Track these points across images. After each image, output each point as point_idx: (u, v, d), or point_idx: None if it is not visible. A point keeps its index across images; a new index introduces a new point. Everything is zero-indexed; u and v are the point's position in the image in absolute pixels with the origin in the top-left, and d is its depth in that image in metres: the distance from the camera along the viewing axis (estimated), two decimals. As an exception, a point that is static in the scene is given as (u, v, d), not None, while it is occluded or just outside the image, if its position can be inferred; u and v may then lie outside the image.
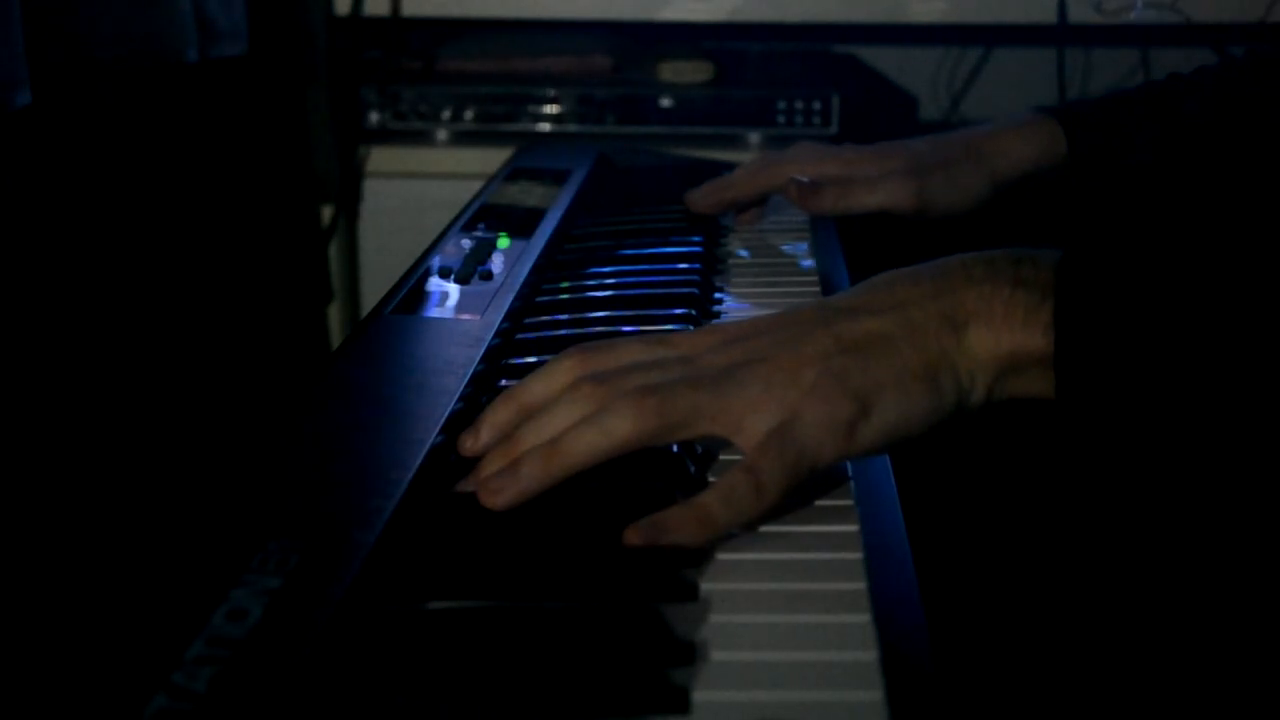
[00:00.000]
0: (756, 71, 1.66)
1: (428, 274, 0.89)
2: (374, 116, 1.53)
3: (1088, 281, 0.59)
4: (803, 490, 0.59)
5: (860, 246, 1.02)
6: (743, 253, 1.00)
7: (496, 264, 0.91)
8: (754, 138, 1.52)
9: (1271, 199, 0.97)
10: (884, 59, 1.79)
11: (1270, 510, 0.70)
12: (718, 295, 0.90)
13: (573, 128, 1.52)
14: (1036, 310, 0.59)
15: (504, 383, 0.74)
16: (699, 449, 0.64)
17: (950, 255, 0.64)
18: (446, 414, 0.66)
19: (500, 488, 0.59)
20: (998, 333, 0.60)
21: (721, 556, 0.56)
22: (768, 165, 1.04)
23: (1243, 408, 0.57)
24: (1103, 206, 1.03)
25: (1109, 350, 0.58)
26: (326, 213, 1.52)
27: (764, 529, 0.58)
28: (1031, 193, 1.02)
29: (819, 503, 0.60)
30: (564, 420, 0.61)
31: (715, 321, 0.85)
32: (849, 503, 0.60)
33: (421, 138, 1.54)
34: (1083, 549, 0.82)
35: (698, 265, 0.93)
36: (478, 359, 0.73)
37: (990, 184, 1.00)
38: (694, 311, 0.85)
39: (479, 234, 0.98)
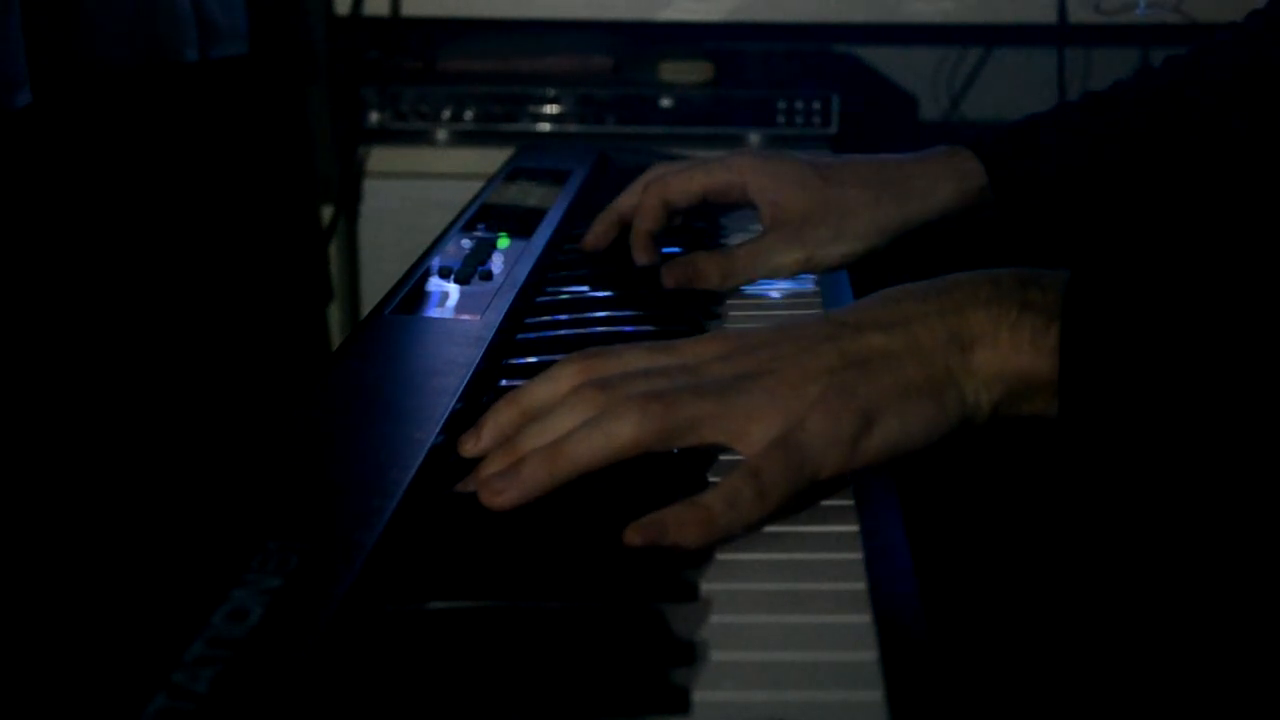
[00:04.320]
0: (756, 71, 1.66)
1: (428, 274, 0.89)
2: (374, 116, 1.53)
3: (1094, 308, 0.59)
4: (803, 492, 0.59)
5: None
6: None
7: (496, 264, 0.91)
8: (754, 138, 1.52)
9: (1237, 206, 0.96)
10: (884, 59, 1.79)
11: (1274, 533, 0.70)
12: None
13: (573, 128, 1.52)
14: (1043, 334, 0.59)
15: (504, 383, 0.74)
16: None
17: (956, 272, 0.64)
18: (446, 414, 0.66)
19: (502, 488, 0.59)
20: (1004, 355, 0.60)
21: (721, 556, 0.56)
22: (648, 185, 0.96)
23: (1248, 434, 0.57)
24: (1029, 234, 0.96)
25: (1114, 377, 0.58)
26: (326, 213, 1.52)
27: (764, 529, 0.58)
28: (952, 225, 0.94)
29: (819, 503, 0.60)
30: (567, 423, 0.61)
31: (715, 324, 0.85)
32: (849, 503, 0.60)
33: (421, 138, 1.54)
34: (1083, 550, 0.82)
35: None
36: (478, 359, 0.73)
37: (888, 231, 0.91)
38: (694, 314, 0.85)
39: (479, 234, 0.98)
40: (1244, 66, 0.97)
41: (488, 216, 1.03)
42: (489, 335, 0.77)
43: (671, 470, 0.62)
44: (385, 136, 1.53)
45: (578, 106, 1.52)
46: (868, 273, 0.91)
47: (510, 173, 1.20)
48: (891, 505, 0.61)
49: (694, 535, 0.56)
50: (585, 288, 0.91)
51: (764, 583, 0.54)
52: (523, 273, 0.89)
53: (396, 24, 1.56)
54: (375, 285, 1.53)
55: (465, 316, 0.81)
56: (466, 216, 1.03)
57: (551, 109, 1.52)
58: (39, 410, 0.90)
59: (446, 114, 1.52)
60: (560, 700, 0.47)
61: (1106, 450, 0.60)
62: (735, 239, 1.01)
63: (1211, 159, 0.96)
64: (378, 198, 1.53)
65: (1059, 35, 1.55)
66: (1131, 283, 0.59)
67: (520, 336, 0.82)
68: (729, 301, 0.89)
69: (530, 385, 0.65)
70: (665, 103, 1.52)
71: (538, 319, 0.85)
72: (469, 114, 1.52)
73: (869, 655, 0.49)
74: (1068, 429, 0.60)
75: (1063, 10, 1.53)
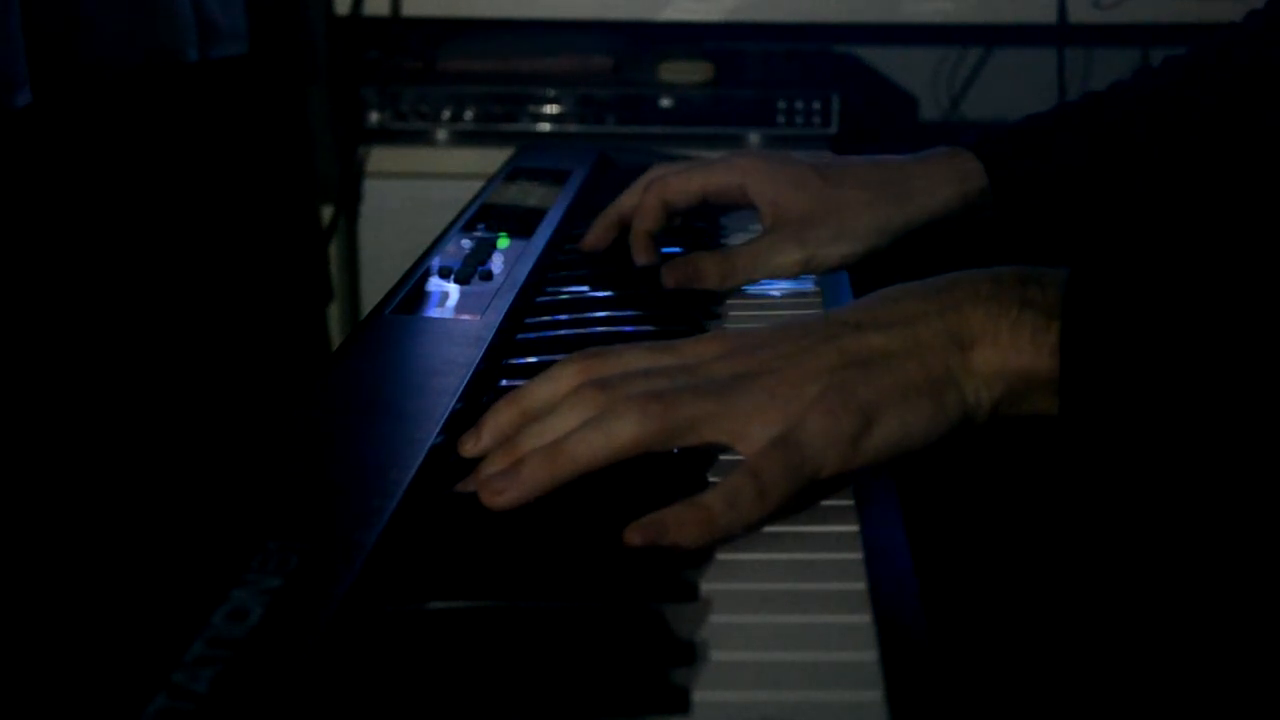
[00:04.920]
0: (756, 71, 1.66)
1: (428, 274, 0.89)
2: (374, 116, 1.53)
3: (1094, 306, 0.59)
4: (803, 492, 0.59)
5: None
6: None
7: (496, 264, 0.91)
8: (754, 138, 1.52)
9: (1237, 205, 0.96)
10: (884, 59, 1.79)
11: (1275, 531, 0.70)
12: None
13: (573, 128, 1.52)
14: (1043, 332, 0.59)
15: (504, 383, 0.74)
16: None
17: (957, 270, 0.64)
18: (446, 414, 0.66)
19: (502, 488, 0.59)
20: (1004, 354, 0.60)
21: (721, 556, 0.56)
22: (651, 184, 0.96)
23: (1249, 432, 0.57)
24: (1029, 234, 0.96)
25: (1114, 375, 0.58)
26: (326, 213, 1.52)
27: (764, 529, 0.58)
28: (953, 226, 0.94)
29: (819, 503, 0.60)
30: (567, 423, 0.61)
31: (715, 324, 0.85)
32: (849, 503, 0.60)
33: (421, 138, 1.54)
34: (1083, 550, 0.82)
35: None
36: (478, 359, 0.73)
37: (889, 231, 0.91)
38: (694, 314, 0.85)
39: (479, 234, 0.98)
40: (1244, 66, 0.97)
41: (488, 216, 1.03)
42: (489, 335, 0.77)
43: (671, 470, 0.62)
44: (385, 136, 1.53)
45: (578, 106, 1.52)
46: (868, 273, 0.91)
47: (510, 173, 1.20)
48: (891, 505, 0.61)
49: (694, 535, 0.56)
50: (585, 288, 0.91)
51: (764, 583, 0.54)
52: (523, 273, 0.89)
53: (396, 24, 1.56)
54: (375, 285, 1.53)
55: (465, 316, 0.81)
56: (466, 216, 1.03)
57: (551, 109, 1.52)
58: (39, 410, 0.90)
59: (446, 114, 1.52)
60: (560, 700, 0.47)
61: (1107, 448, 0.60)
62: (735, 239, 1.01)
63: (1211, 159, 0.96)
64: (378, 198, 1.53)
65: (1059, 35, 1.55)
66: (1131, 281, 0.59)
67: (520, 336, 0.82)
68: (729, 301, 0.89)
69: (530, 385, 0.65)
70: (665, 103, 1.52)
71: (538, 319, 0.85)
72: (469, 114, 1.52)
73: (869, 655, 0.49)
74: (1068, 427, 0.60)
75: (1063, 10, 1.53)
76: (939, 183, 0.93)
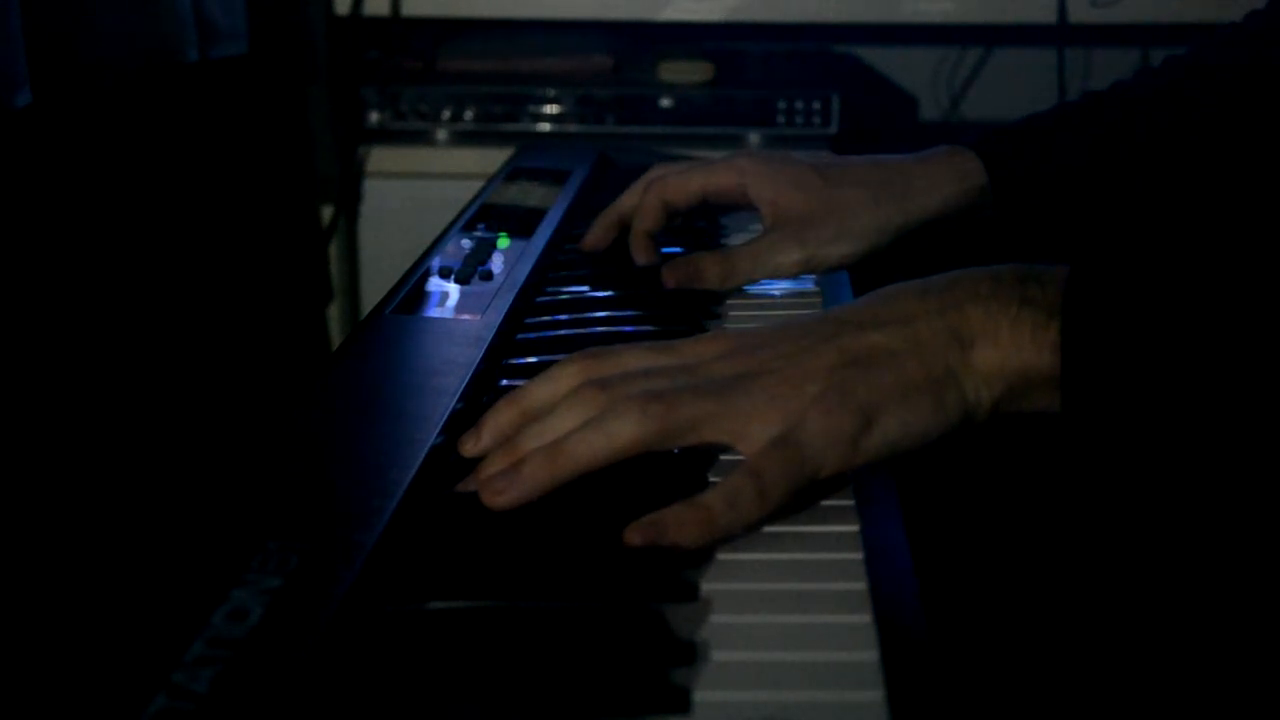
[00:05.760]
0: (756, 71, 1.66)
1: (428, 274, 0.89)
2: (374, 116, 1.53)
3: (1094, 303, 0.59)
4: (803, 491, 0.59)
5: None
6: None
7: (496, 264, 0.91)
8: (754, 138, 1.52)
9: (1237, 203, 0.96)
10: (884, 59, 1.79)
11: (1276, 529, 0.70)
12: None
13: (573, 128, 1.52)
14: (1044, 330, 0.59)
15: (504, 383, 0.74)
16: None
17: (957, 269, 0.64)
18: (446, 414, 0.66)
19: (502, 488, 0.59)
20: (1004, 351, 0.60)
21: (722, 556, 0.56)
22: (651, 184, 0.96)
23: (1250, 428, 0.57)
24: (1029, 234, 0.96)
25: (1115, 372, 0.58)
26: (326, 213, 1.52)
27: (764, 529, 0.58)
28: (953, 226, 0.94)
29: (819, 503, 0.60)
30: (567, 423, 0.61)
31: (715, 324, 0.85)
32: (849, 503, 0.60)
33: (421, 138, 1.54)
34: (1084, 549, 0.82)
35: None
36: (478, 359, 0.73)
37: (889, 231, 0.91)
38: (694, 314, 0.85)
39: (479, 234, 0.98)
40: (1244, 66, 0.97)
41: (488, 216, 1.03)
42: (489, 335, 0.77)
43: (671, 470, 0.62)
44: (385, 136, 1.53)
45: (578, 106, 1.52)
46: (868, 273, 0.91)
47: (510, 173, 1.20)
48: (891, 505, 0.61)
49: (694, 535, 0.56)
50: (585, 288, 0.91)
51: (764, 583, 0.54)
52: (523, 273, 0.89)
53: (396, 24, 1.56)
54: (375, 285, 1.53)
55: (465, 316, 0.81)
56: (466, 216, 1.03)
57: (551, 109, 1.52)
58: (39, 410, 0.90)
59: (446, 114, 1.52)
60: (560, 700, 0.47)
61: (1109, 445, 0.60)
62: (735, 239, 1.01)
63: (1211, 158, 0.96)
64: (378, 198, 1.53)
65: (1059, 35, 1.55)
66: (1131, 278, 0.59)
67: (520, 336, 0.82)
68: (729, 301, 0.89)
69: (530, 385, 0.65)
70: (665, 103, 1.52)
71: (538, 319, 0.85)
72: (469, 114, 1.52)
73: (869, 655, 0.49)
74: (1070, 424, 0.60)
75: (1063, 10, 1.53)
76: (939, 182, 0.93)
